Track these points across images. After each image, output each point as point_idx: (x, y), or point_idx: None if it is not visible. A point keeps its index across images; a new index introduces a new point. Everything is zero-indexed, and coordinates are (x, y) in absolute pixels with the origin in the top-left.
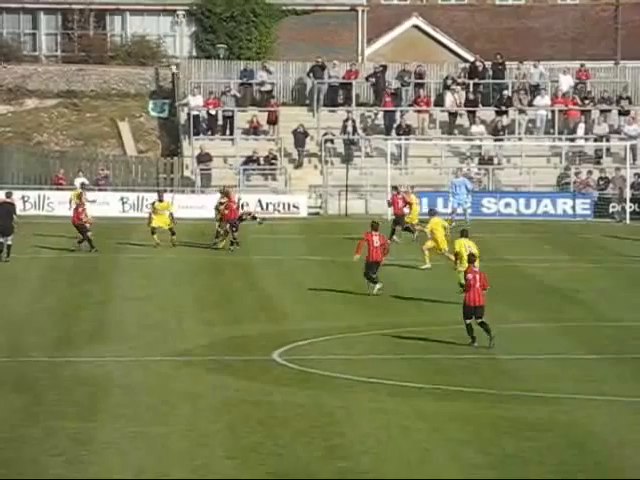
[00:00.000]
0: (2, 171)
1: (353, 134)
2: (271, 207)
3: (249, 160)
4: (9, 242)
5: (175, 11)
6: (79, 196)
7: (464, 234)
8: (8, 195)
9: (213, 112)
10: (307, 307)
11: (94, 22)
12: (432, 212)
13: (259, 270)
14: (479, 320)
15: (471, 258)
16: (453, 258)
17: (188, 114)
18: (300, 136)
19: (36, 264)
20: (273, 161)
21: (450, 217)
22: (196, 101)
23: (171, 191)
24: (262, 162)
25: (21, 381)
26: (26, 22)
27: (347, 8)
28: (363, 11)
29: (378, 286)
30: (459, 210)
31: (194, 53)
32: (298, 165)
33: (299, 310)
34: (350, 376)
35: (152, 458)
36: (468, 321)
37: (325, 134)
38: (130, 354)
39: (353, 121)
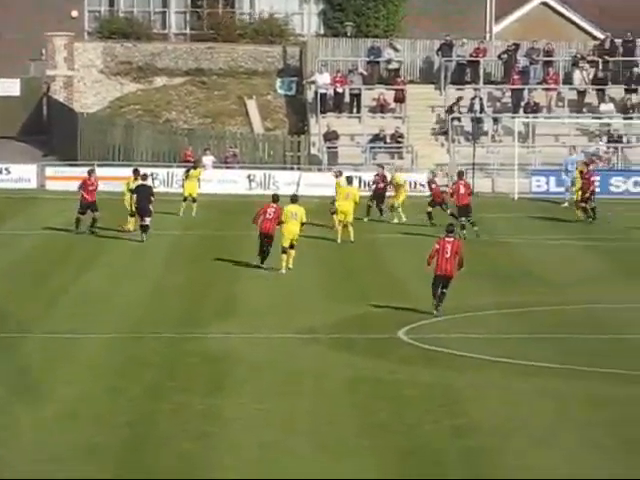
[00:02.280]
0: (131, 148)
1: (480, 112)
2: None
3: (376, 138)
4: (147, 223)
5: None
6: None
7: None
8: (144, 177)
9: (340, 90)
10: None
11: (223, 0)
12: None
13: (385, 248)
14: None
15: (449, 228)
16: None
17: (315, 92)
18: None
19: (163, 241)
20: (399, 139)
21: (564, 196)
22: (323, 79)
23: (298, 169)
24: (389, 140)
25: (150, 357)
26: (156, 0)
27: None
28: None
29: None
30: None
31: (321, 31)
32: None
33: (425, 288)
34: (477, 355)
35: (278, 434)
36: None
37: (452, 112)
38: (256, 331)
39: (480, 99)
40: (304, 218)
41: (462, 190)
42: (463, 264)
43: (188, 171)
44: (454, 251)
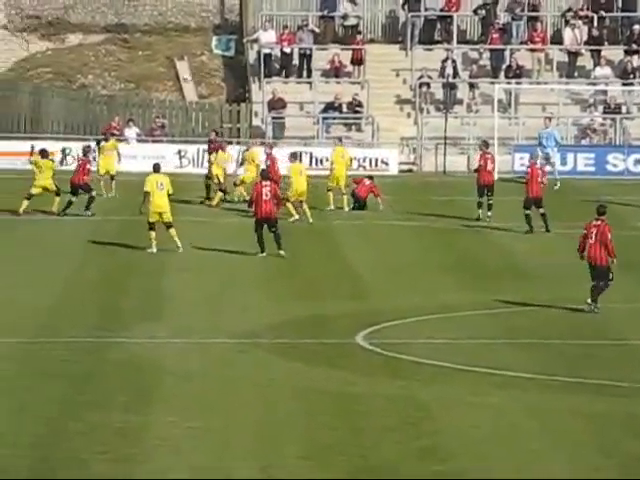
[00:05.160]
0: (40, 118)
1: (454, 77)
2: (355, 163)
3: (329, 107)
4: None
5: None
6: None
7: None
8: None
9: (288, 50)
10: (397, 281)
11: None
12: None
13: (339, 236)
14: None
15: (600, 209)
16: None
17: (258, 52)
18: None
19: (75, 228)
20: (358, 108)
21: (554, 176)
22: (268, 37)
23: (237, 143)
24: (345, 109)
25: (60, 366)
26: None
27: None
28: None
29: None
30: (547, 168)
31: None
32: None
33: (387, 284)
34: (446, 363)
35: (212, 457)
36: None
37: (420, 77)
38: (186, 335)
39: (454, 61)
40: (170, 189)
41: (489, 165)
42: (612, 252)
43: (98, 143)
44: (599, 236)
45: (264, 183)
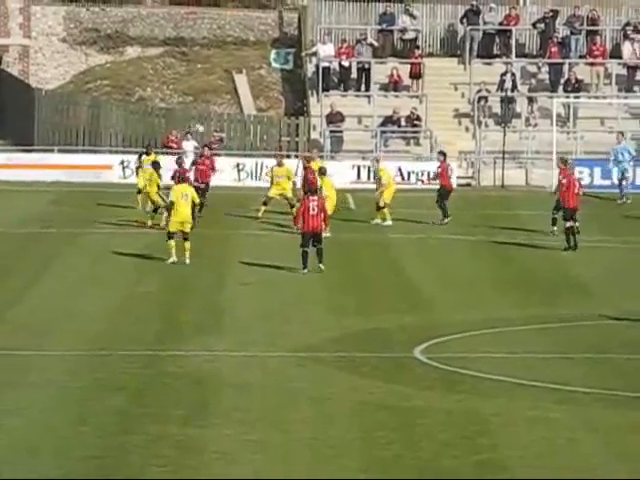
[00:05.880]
0: (99, 131)
1: (512, 91)
2: (413, 177)
3: (388, 121)
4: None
5: None
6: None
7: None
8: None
9: (346, 64)
10: (455, 295)
11: None
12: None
13: (399, 251)
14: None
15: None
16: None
17: (317, 66)
18: None
19: (132, 241)
20: (416, 122)
21: (619, 191)
22: (326, 50)
23: (296, 157)
24: (403, 123)
25: (119, 379)
26: None
27: None
28: None
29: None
30: (623, 182)
31: None
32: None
33: (446, 299)
34: (506, 378)
35: (271, 470)
36: None
37: (479, 91)
38: (245, 348)
39: (513, 75)
40: (196, 199)
41: (576, 187)
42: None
43: (140, 157)
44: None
45: (312, 197)
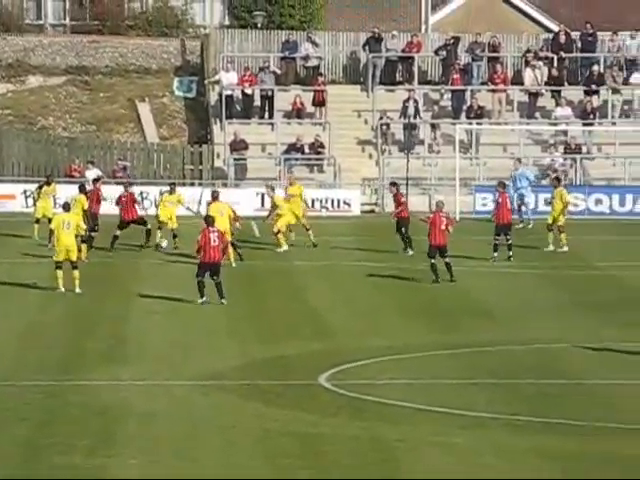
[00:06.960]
0: (1, 161)
1: (415, 117)
2: (317, 204)
3: (291, 148)
4: None
5: None
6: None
7: None
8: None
9: (249, 91)
10: (360, 322)
11: None
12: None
13: (303, 278)
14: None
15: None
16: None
17: (220, 94)
18: None
19: (36, 270)
20: (320, 149)
21: (518, 216)
22: (229, 78)
23: (199, 184)
24: (307, 151)
25: (23, 409)
26: None
27: None
28: None
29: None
30: (522, 208)
31: (227, 22)
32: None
33: (350, 326)
34: (411, 404)
35: None
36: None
37: (381, 118)
38: (151, 377)
39: (415, 102)
40: (76, 229)
41: (508, 204)
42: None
43: (41, 187)
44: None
45: (211, 229)
